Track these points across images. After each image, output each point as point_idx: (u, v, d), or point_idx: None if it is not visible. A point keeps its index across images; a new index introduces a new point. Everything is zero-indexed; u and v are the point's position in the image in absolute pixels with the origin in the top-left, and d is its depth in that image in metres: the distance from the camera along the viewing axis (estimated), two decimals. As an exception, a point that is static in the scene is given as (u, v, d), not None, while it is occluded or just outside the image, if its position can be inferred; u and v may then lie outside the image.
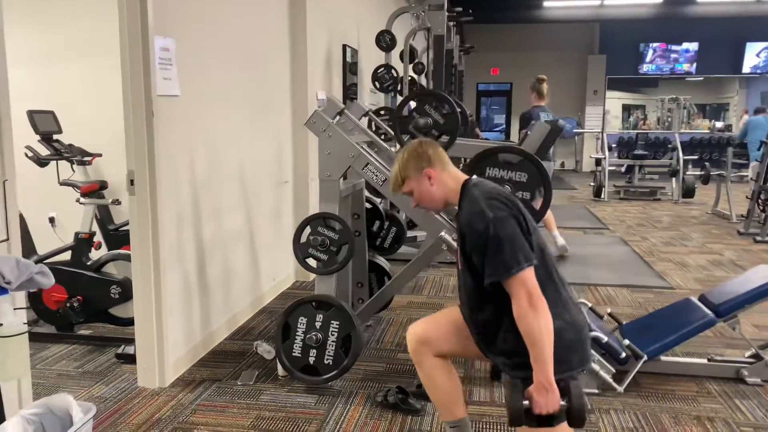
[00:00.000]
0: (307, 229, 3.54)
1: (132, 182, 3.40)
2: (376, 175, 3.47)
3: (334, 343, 3.41)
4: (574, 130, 16.08)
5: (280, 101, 5.25)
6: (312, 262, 3.55)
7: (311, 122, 3.54)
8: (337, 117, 3.60)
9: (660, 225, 8.82)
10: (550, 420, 2.08)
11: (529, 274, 2.05)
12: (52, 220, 5.71)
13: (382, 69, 6.55)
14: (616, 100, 18.71)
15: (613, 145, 13.29)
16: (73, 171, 4.70)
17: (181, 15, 3.72)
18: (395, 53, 7.32)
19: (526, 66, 16.49)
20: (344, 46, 6.63)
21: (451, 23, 7.49)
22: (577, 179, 14.72)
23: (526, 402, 2.06)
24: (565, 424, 2.11)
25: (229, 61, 4.33)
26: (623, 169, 12.15)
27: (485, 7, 13.22)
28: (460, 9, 7.24)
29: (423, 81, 7.71)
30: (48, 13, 5.64)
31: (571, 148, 16.99)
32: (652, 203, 10.93)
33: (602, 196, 11.20)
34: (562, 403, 2.05)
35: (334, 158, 3.52)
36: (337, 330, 3.40)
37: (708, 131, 15.58)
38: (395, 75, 6.52)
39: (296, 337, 3.44)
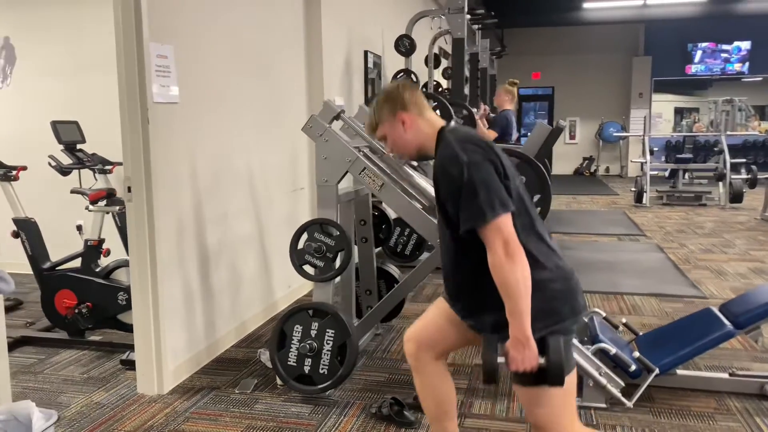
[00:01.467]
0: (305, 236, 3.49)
1: (129, 189, 3.41)
2: (374, 180, 3.40)
3: (329, 352, 3.34)
4: (616, 134, 15.71)
5: (295, 107, 5.22)
6: (309, 269, 3.50)
7: (308, 127, 3.49)
8: (334, 121, 3.53)
9: (701, 231, 8.49)
10: (530, 379, 1.96)
11: (505, 221, 1.90)
12: (79, 228, 5.81)
13: (402, 74, 6.48)
14: (667, 103, 18.21)
15: (655, 149, 12.87)
16: (96, 179, 4.75)
17: (183, 21, 3.72)
18: (420, 58, 7.25)
19: (569, 70, 16.25)
20: (366, 52, 6.58)
21: (476, 26, 7.36)
22: (620, 184, 14.35)
23: (501, 359, 1.94)
24: (556, 390, 1.97)
25: (237, 67, 4.32)
26: (666, 174, 11.75)
27: (524, 11, 13.04)
28: (482, 11, 7.10)
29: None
30: (78, 25, 5.79)
31: (616, 152, 16.59)
32: (696, 209, 10.55)
33: (643, 201, 10.85)
34: (541, 360, 1.91)
35: (331, 163, 3.46)
36: (332, 339, 3.33)
37: (763, 134, 14.99)
38: (415, 80, 6.43)
39: (291, 345, 3.38)
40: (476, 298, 2.11)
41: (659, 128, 16.72)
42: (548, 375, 1.92)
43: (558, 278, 2.03)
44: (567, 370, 1.96)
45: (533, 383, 1.98)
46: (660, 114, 16.97)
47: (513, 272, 1.87)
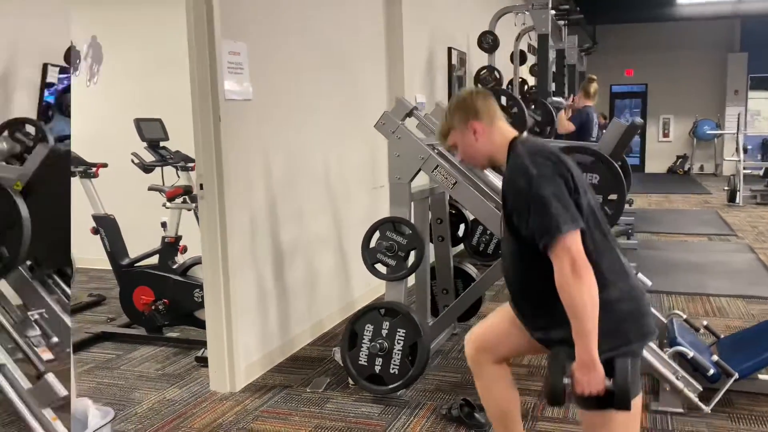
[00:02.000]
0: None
1: (201, 187, 3.43)
2: (446, 178, 3.31)
3: (400, 352, 3.27)
4: (710, 132, 15.01)
5: (375, 105, 5.13)
6: (381, 267, 3.43)
7: (380, 124, 3.45)
8: (408, 118, 3.46)
9: (796, 232, 7.97)
10: (594, 402, 1.87)
11: (573, 238, 1.83)
12: (164, 224, 5.93)
13: (485, 71, 6.37)
14: (765, 101, 17.24)
15: (749, 147, 12.16)
16: (178, 177, 4.81)
17: (257, 18, 3.72)
18: (506, 55, 7.10)
19: (662, 66, 15.66)
20: (449, 49, 6.49)
21: (561, 22, 7.12)
22: (714, 183, 13.63)
23: (567, 380, 1.86)
24: (621, 414, 1.87)
25: (314, 63, 4.31)
26: (761, 172, 11.12)
27: (617, 7, 12.66)
28: (567, 7, 6.88)
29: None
30: (162, 24, 5.88)
31: (710, 150, 15.83)
32: (794, 209, 9.91)
33: (736, 200, 10.30)
34: (607, 383, 1.83)
35: (403, 160, 3.40)
36: (403, 338, 3.26)
37: None
38: (498, 77, 6.29)
39: (362, 344, 3.33)
40: (542, 315, 2.05)
41: (755, 126, 15.84)
42: (615, 399, 1.84)
43: (627, 299, 1.96)
44: (633, 394, 1.87)
45: (597, 407, 1.91)
46: (758, 111, 16.07)
47: (580, 292, 1.80)
